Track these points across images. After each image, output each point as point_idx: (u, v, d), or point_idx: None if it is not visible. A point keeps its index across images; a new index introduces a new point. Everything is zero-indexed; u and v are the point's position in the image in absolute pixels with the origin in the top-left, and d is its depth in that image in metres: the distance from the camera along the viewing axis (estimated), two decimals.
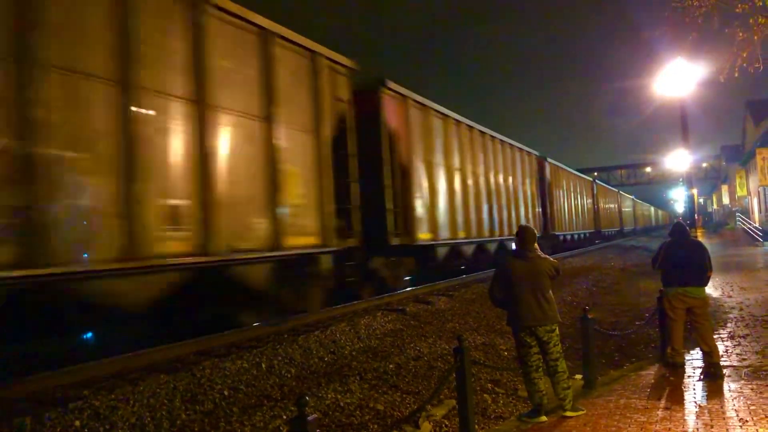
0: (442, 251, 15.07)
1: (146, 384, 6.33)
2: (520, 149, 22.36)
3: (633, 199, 70.79)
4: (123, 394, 6.02)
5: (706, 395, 6.23)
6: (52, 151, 5.95)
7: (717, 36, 12.17)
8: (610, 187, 52.39)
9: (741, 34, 11.11)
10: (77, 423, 5.38)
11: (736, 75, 11.61)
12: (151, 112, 7.05)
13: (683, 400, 6.11)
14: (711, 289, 13.24)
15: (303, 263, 9.89)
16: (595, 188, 38.97)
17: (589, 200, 38.07)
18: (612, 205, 50.07)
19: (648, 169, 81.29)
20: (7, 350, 6.92)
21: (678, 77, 13.78)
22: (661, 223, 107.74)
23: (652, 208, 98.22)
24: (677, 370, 7.19)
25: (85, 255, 6.27)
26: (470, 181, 17.08)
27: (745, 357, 7.61)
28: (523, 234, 5.99)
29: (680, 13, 11.72)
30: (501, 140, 20.18)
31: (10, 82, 5.72)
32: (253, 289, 8.96)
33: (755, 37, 10.96)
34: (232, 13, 8.46)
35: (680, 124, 14.39)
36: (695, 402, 6.01)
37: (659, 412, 5.69)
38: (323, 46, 10.68)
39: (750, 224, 43.56)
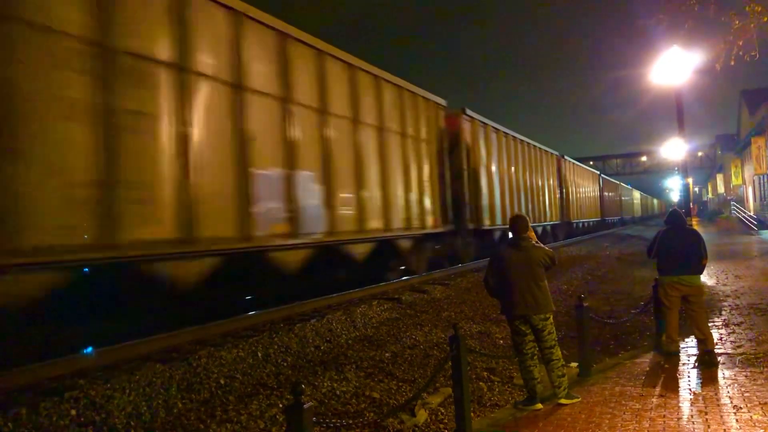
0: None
1: (142, 373, 6.32)
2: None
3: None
4: (119, 383, 6.01)
5: (701, 382, 6.26)
6: None
7: (713, 24, 12.13)
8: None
9: (737, 22, 11.05)
10: (73, 412, 5.38)
11: (732, 63, 11.57)
12: None
13: (678, 387, 6.13)
14: (706, 278, 13.29)
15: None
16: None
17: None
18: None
19: (643, 159, 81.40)
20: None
21: (673, 66, 13.75)
22: (656, 212, 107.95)
23: (638, 195, 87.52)
24: (672, 357, 7.23)
25: None
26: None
27: (740, 344, 7.65)
28: (516, 223, 5.98)
29: (676, 1, 11.67)
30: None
31: None
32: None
33: (752, 25, 10.91)
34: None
35: (675, 113, 14.36)
36: (690, 389, 6.04)
37: (654, 400, 5.72)
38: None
39: (745, 213, 43.69)
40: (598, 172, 46.29)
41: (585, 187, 38.32)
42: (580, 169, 37.70)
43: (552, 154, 28.47)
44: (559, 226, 29.78)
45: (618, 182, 61.45)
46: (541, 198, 25.42)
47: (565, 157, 32.00)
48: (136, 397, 5.85)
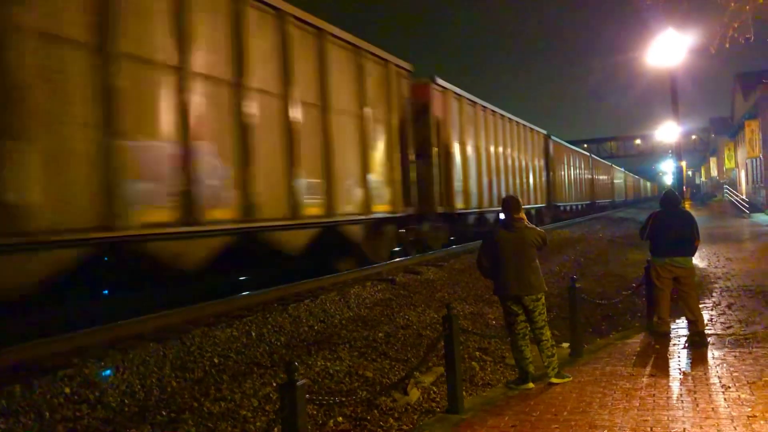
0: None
1: (136, 352, 6.34)
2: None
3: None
4: (113, 362, 6.03)
5: (691, 363, 6.33)
6: None
7: (708, 6, 12.10)
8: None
9: (733, 5, 11.03)
10: (67, 390, 5.40)
11: (727, 46, 11.55)
12: None
13: (668, 367, 6.20)
14: (698, 260, 13.37)
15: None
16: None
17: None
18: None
19: (638, 141, 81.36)
20: None
21: (668, 48, 13.74)
22: (648, 195, 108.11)
23: (622, 175, 69.10)
24: (663, 338, 7.29)
25: None
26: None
27: (730, 325, 7.72)
28: (508, 204, 6.00)
29: None
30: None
31: None
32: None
33: (747, 8, 10.89)
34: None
35: (670, 96, 14.38)
36: (680, 369, 6.10)
37: (644, 379, 5.77)
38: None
39: (737, 196, 43.87)
40: (545, 132, 28.92)
41: (510, 152, 21.82)
42: (496, 118, 20.43)
43: (392, 66, 13.38)
44: (398, 220, 13.69)
45: (587, 154, 43.46)
46: (350, 160, 11.62)
47: (440, 81, 15.89)
48: (130, 376, 5.88)
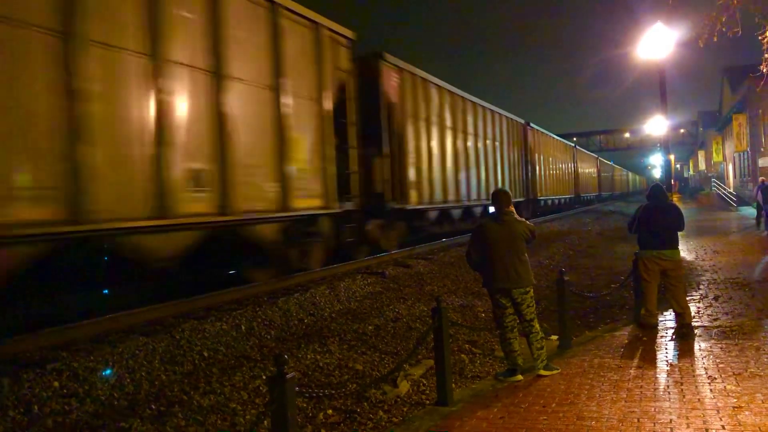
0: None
1: (125, 346, 6.32)
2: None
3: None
4: (102, 355, 6.02)
5: (678, 354, 6.38)
6: None
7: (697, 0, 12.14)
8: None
9: None
10: (56, 384, 5.38)
11: (715, 40, 11.59)
12: None
13: (655, 359, 6.25)
14: (685, 253, 13.48)
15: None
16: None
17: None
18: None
19: (627, 135, 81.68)
20: None
21: (657, 43, 13.78)
22: (638, 188, 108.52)
23: (595, 163, 50.79)
24: (650, 330, 7.34)
25: None
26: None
27: (716, 318, 7.79)
28: (498, 197, 6.02)
29: None
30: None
31: None
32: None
33: (734, 2, 10.93)
34: None
35: (659, 90, 14.42)
36: (667, 361, 6.15)
37: (632, 371, 5.82)
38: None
39: (725, 189, 44.20)
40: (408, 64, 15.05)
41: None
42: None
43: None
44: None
45: (537, 127, 28.91)
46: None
47: None
48: (120, 369, 5.86)
